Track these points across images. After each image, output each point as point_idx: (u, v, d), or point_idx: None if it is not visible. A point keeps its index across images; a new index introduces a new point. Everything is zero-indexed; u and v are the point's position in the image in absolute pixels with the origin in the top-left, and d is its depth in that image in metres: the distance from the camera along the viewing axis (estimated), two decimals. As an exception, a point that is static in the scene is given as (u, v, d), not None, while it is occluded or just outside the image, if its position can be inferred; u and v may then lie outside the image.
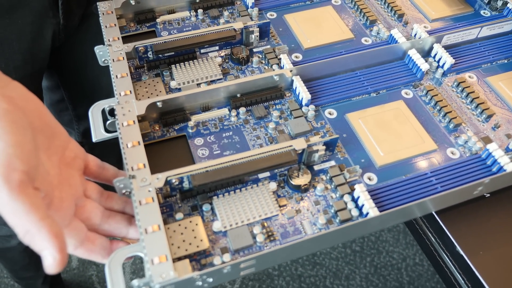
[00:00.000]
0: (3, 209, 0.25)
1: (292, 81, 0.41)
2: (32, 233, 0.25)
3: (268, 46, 0.46)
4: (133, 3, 0.47)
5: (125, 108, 0.37)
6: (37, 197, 0.26)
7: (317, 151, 0.36)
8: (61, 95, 0.64)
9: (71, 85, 0.63)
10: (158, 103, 0.38)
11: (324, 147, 0.36)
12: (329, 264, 1.00)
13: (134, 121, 0.36)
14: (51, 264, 0.26)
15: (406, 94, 0.43)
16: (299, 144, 0.35)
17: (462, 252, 0.35)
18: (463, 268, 0.35)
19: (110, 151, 0.67)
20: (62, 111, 0.67)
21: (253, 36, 0.45)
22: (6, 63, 0.46)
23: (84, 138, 0.71)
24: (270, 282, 0.97)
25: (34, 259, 0.75)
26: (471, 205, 0.37)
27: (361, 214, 0.34)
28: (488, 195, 0.37)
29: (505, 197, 0.37)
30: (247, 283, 0.97)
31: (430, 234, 0.39)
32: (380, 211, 0.33)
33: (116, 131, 0.37)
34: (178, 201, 0.35)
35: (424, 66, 0.43)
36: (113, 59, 0.41)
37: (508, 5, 0.49)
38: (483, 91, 0.43)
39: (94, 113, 0.39)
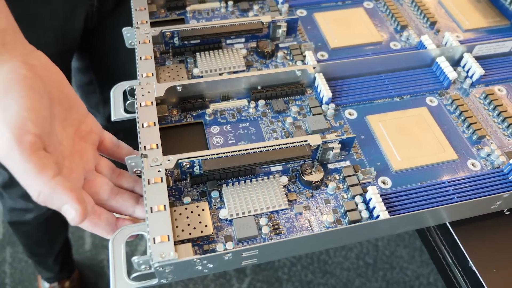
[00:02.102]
0: (15, 169, 0.26)
1: (315, 78, 0.41)
2: (45, 193, 0.26)
3: (295, 43, 0.46)
4: (166, -10, 0.48)
5: (145, 89, 0.38)
6: (48, 159, 0.26)
7: (332, 148, 0.35)
8: (90, 77, 0.65)
9: (100, 68, 0.64)
10: (178, 87, 0.38)
11: (339, 146, 0.35)
12: (340, 274, 0.98)
13: (152, 102, 0.37)
14: (74, 217, 0.26)
15: (431, 101, 0.42)
16: (315, 139, 0.35)
17: (474, 268, 0.33)
18: (474, 285, 0.34)
19: (133, 137, 0.68)
20: (90, 93, 0.68)
21: (280, 31, 0.45)
22: (38, 39, 0.47)
23: (108, 122, 0.72)
24: (278, 286, 0.96)
25: (47, 236, 0.76)
26: (488, 221, 0.35)
27: (371, 216, 0.33)
28: (508, 212, 0.36)
29: (526, 216, 0.36)
30: (255, 284, 0.96)
31: (443, 247, 0.37)
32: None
33: (135, 112, 0.37)
34: (187, 186, 0.35)
35: (452, 74, 0.41)
36: (139, 41, 0.41)
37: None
38: (512, 105, 0.42)
39: (116, 93, 0.39)
